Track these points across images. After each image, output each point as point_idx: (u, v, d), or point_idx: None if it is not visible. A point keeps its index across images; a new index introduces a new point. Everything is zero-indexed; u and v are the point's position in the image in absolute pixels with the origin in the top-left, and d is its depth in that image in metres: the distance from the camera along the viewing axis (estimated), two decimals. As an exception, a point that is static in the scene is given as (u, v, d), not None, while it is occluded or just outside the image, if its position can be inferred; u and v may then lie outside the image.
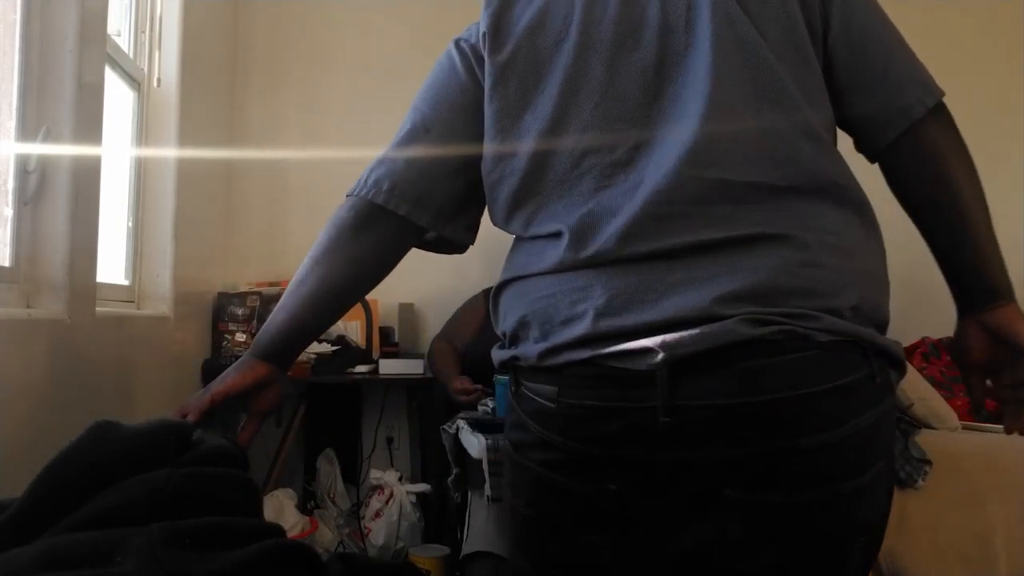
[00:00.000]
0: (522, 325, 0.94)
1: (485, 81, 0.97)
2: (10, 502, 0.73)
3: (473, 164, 1.00)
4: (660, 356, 0.81)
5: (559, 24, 0.94)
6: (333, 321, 1.08)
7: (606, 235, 0.87)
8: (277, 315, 1.02)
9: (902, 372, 0.91)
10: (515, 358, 0.96)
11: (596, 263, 0.88)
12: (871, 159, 0.98)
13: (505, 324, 0.98)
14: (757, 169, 0.85)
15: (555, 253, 0.90)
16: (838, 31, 0.92)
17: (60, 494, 0.71)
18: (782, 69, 0.87)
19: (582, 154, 0.91)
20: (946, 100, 0.94)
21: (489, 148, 0.97)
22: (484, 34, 0.97)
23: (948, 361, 2.63)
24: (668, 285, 0.84)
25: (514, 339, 0.97)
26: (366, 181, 1.01)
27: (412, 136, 1.02)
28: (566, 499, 0.93)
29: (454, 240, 1.07)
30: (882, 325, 0.89)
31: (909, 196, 0.96)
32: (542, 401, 0.92)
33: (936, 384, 2.26)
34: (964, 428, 2.12)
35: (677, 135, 0.87)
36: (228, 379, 1.01)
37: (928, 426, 2.03)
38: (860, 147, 0.99)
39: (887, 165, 0.97)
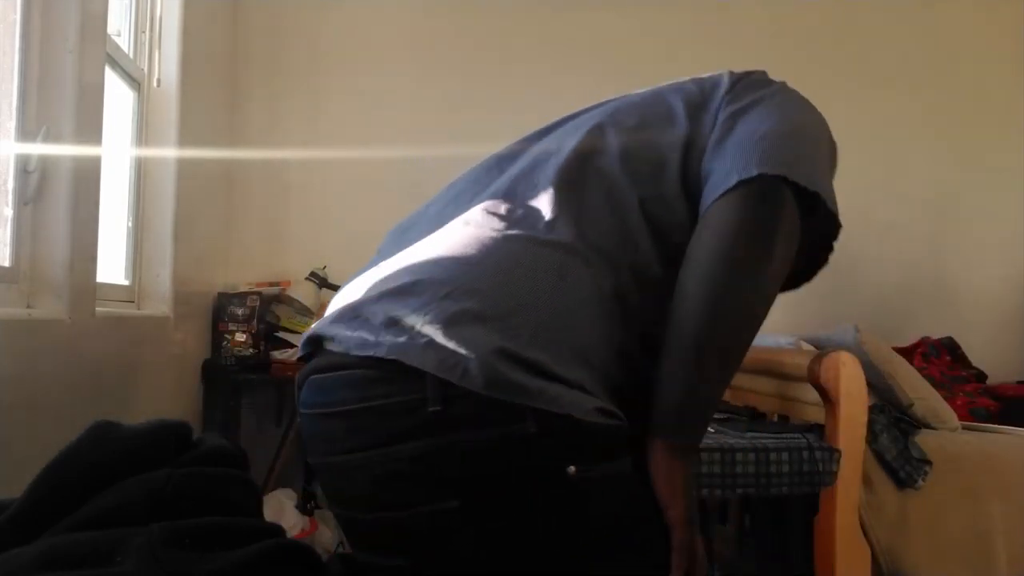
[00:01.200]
0: None
1: None
2: (10, 502, 0.73)
3: None
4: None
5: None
6: None
7: None
8: None
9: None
10: None
11: None
12: None
13: None
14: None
15: None
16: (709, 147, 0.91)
17: (60, 494, 0.71)
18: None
19: None
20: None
21: None
22: None
23: (948, 361, 2.62)
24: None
25: None
26: None
27: None
28: None
29: None
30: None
31: None
32: None
33: (936, 384, 2.26)
34: (964, 428, 2.12)
35: None
36: None
37: (928, 426, 2.03)
38: None
39: None
